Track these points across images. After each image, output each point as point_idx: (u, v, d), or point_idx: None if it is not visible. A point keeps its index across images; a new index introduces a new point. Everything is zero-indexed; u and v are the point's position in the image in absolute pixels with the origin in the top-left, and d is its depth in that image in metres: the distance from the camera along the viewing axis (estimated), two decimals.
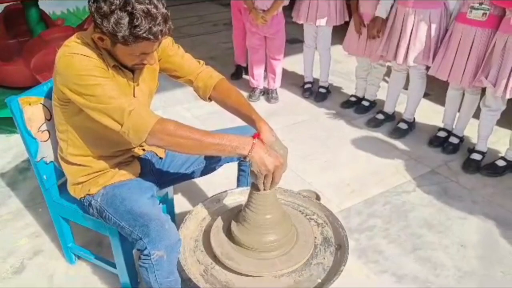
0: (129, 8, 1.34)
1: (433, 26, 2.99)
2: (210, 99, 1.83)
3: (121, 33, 1.36)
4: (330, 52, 3.92)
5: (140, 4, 1.35)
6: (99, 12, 1.36)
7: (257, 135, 1.56)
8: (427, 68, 3.15)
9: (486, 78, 2.69)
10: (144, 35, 1.37)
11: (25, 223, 2.48)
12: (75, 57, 1.43)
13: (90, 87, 1.42)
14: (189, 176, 2.01)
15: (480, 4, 2.69)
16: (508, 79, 2.59)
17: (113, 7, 1.34)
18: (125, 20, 1.35)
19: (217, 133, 1.47)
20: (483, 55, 2.78)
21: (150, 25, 1.37)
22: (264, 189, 1.51)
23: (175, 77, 1.84)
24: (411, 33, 3.05)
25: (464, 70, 2.86)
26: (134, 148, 1.80)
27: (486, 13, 2.68)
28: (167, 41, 1.73)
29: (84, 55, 1.44)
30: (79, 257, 2.21)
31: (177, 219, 2.35)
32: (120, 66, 1.56)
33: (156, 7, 1.38)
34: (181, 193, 2.68)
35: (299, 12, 3.74)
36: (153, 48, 1.49)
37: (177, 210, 2.44)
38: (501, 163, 2.96)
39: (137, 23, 1.35)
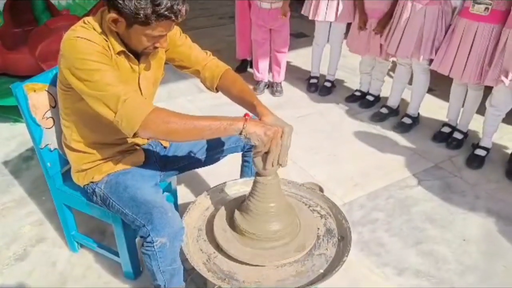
0: None
1: (427, 22, 2.98)
2: (217, 89, 1.82)
3: (144, 11, 1.38)
4: (342, 46, 3.92)
5: None
6: None
7: (247, 115, 1.54)
8: (431, 62, 3.13)
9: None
10: (166, 13, 1.40)
11: (29, 211, 2.48)
12: (79, 41, 1.43)
13: (89, 72, 1.41)
14: (193, 166, 2.01)
15: None
16: None
17: None
18: None
19: (209, 116, 1.46)
20: (485, 51, 2.76)
21: (171, 3, 1.39)
22: (267, 167, 1.49)
23: (181, 68, 1.83)
24: (405, 24, 3.05)
25: (466, 65, 2.84)
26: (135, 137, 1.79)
27: (488, 8, 2.67)
28: (175, 31, 1.72)
29: (88, 40, 1.44)
30: (82, 245, 2.22)
31: (180, 210, 2.35)
32: (127, 52, 1.56)
33: None
34: (184, 184, 2.68)
35: (316, 10, 3.68)
36: (170, 29, 1.50)
37: (180, 201, 2.44)
38: None
39: (158, 1, 1.37)
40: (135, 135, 1.43)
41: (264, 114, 1.56)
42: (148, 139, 1.86)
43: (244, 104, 1.70)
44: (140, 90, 1.67)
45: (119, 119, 1.41)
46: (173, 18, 1.43)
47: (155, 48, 1.56)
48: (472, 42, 2.79)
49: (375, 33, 3.37)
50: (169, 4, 1.39)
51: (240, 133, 1.42)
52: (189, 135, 1.45)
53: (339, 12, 3.63)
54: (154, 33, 1.47)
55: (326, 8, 3.64)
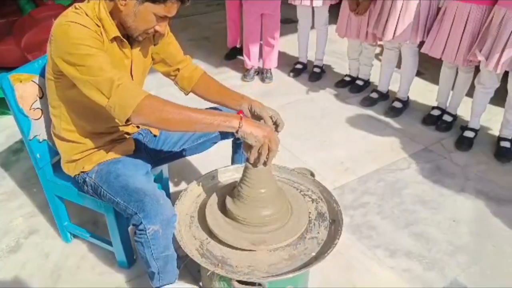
0: None
1: (423, 3, 2.97)
2: (190, 91, 1.93)
3: None
4: (328, 30, 3.91)
5: None
6: None
7: (241, 112, 1.59)
8: (420, 45, 3.14)
9: (480, 51, 2.67)
10: None
11: (20, 204, 2.47)
12: (72, 26, 1.42)
13: (82, 57, 1.40)
14: (183, 154, 2.01)
15: None
16: (501, 54, 2.58)
17: None
18: None
19: (205, 109, 1.48)
20: (478, 32, 2.76)
21: None
22: (258, 164, 1.50)
23: (160, 66, 1.96)
24: (401, 9, 3.04)
25: (459, 47, 2.85)
26: (128, 125, 1.79)
27: None
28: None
29: (81, 24, 1.43)
30: (75, 236, 2.21)
31: (172, 198, 2.34)
32: (122, 38, 1.55)
33: None
34: (176, 172, 2.68)
35: None
36: (175, 12, 1.51)
37: (172, 189, 2.45)
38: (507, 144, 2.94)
39: None
40: (127, 121, 1.43)
41: (251, 101, 1.67)
42: (138, 127, 1.86)
43: (226, 99, 1.78)
44: (132, 77, 1.67)
45: (112, 105, 1.40)
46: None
47: (156, 31, 1.56)
48: (465, 24, 2.78)
49: (355, 15, 3.36)
50: None
51: (236, 132, 1.43)
52: (182, 126, 1.45)
53: None
54: (162, 12, 1.47)
55: None
